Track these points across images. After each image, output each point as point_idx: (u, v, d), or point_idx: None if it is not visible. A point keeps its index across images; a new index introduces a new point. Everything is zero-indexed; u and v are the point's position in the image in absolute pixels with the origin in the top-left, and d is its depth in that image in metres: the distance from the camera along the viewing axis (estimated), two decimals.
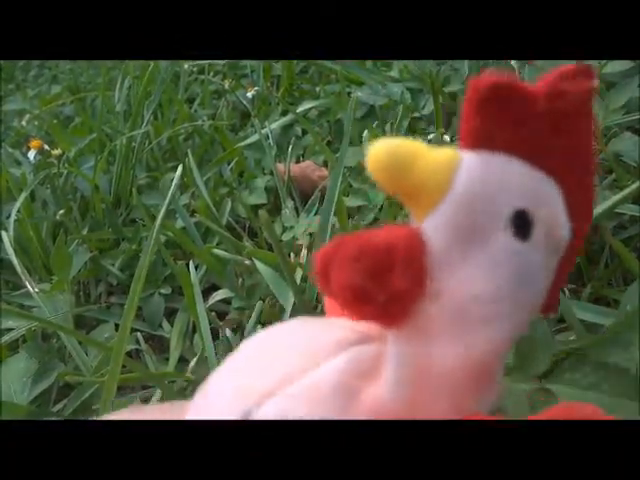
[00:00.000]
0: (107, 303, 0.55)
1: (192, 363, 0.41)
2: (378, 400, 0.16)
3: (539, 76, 0.17)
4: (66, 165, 0.72)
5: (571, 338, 0.32)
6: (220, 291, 0.48)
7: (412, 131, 0.62)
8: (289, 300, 0.41)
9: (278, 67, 0.97)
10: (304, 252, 0.48)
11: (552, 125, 0.17)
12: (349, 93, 0.73)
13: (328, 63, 0.83)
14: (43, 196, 0.73)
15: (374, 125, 0.63)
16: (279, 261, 0.39)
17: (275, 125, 0.73)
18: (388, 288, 0.14)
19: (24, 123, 1.08)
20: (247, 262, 0.46)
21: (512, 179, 0.16)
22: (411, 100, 0.65)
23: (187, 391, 0.40)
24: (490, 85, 0.15)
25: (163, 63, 0.97)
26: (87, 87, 1.29)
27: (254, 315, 0.43)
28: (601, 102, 0.47)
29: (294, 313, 0.40)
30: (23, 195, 0.65)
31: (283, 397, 0.17)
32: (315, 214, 0.54)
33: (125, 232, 0.61)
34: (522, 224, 0.16)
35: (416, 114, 0.65)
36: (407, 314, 0.15)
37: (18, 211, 0.63)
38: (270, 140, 0.68)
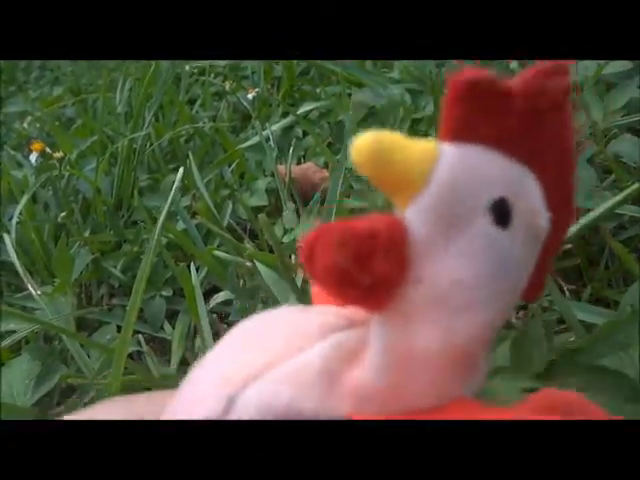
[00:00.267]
0: (109, 305, 0.55)
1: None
2: (362, 384, 0.17)
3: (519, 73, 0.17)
4: (68, 167, 0.73)
5: (571, 339, 0.32)
6: (221, 293, 0.48)
7: (413, 132, 0.62)
8: (290, 302, 0.41)
9: (279, 68, 0.97)
10: None
11: (529, 120, 0.17)
12: (350, 94, 0.73)
13: (329, 64, 0.83)
14: (45, 198, 0.73)
15: (374, 126, 0.63)
16: (279, 263, 0.39)
17: (276, 127, 0.73)
18: (371, 271, 0.15)
19: (26, 125, 1.08)
20: (248, 264, 0.46)
21: (491, 170, 0.16)
22: (411, 101, 0.66)
23: None
24: (468, 80, 0.16)
25: (164, 64, 0.97)
26: (88, 89, 1.30)
27: None
28: (601, 103, 0.47)
29: None
30: (25, 197, 0.65)
31: (267, 382, 0.17)
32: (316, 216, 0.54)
33: (126, 234, 0.61)
34: (502, 212, 0.16)
35: (417, 115, 0.65)
36: (390, 298, 0.15)
37: (20, 213, 0.64)
38: (271, 142, 0.68)
